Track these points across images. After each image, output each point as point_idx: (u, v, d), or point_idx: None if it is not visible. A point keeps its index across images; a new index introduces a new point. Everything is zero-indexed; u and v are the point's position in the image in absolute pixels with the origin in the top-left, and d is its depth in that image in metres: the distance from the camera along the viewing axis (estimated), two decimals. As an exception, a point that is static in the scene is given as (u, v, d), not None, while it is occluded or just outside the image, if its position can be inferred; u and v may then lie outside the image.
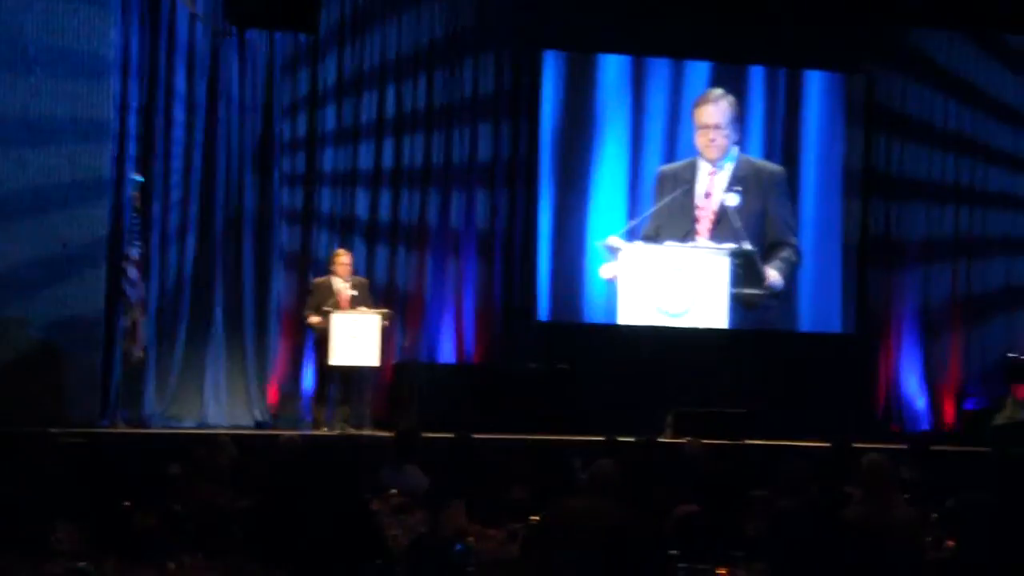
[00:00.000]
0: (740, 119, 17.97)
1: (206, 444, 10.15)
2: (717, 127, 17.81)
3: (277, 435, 11.99)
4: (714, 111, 17.88)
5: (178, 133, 16.02)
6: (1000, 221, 18.89)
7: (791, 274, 17.83)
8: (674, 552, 7.76)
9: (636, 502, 8.46)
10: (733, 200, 17.60)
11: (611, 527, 7.67)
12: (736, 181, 17.73)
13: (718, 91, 17.96)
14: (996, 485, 9.85)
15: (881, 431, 17.03)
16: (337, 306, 15.01)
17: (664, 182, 17.72)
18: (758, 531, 8.43)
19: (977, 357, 18.49)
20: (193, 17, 16.01)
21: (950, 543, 8.45)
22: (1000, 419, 17.04)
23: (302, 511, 7.69)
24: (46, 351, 14.37)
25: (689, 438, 12.04)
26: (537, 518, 8.35)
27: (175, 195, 15.94)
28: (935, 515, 9.19)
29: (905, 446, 12.99)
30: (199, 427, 15.35)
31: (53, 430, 11.92)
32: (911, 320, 18.37)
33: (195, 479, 9.21)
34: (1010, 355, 17.81)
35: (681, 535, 8.51)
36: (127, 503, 8.37)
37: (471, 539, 8.18)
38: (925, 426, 17.86)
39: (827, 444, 12.60)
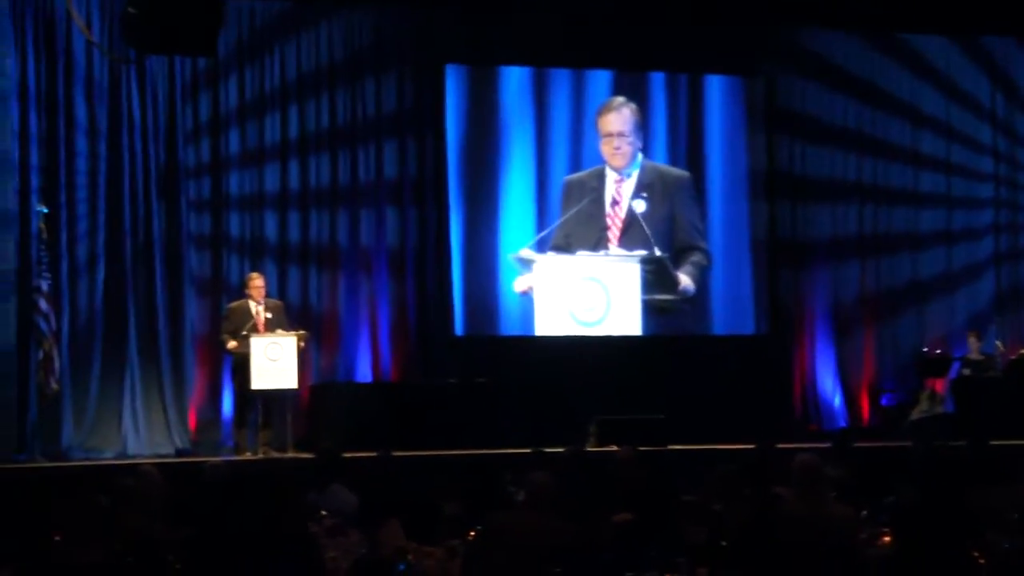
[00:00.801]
0: (643, 126, 18.04)
1: (131, 475, 10.01)
2: (621, 135, 17.85)
3: (202, 463, 11.85)
4: (617, 119, 17.92)
5: (81, 163, 15.93)
6: (903, 217, 19.12)
7: (702, 278, 17.90)
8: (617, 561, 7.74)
9: (572, 513, 8.44)
10: (641, 207, 17.65)
11: (553, 540, 7.65)
12: (642, 188, 17.78)
13: (620, 99, 18.00)
14: (925, 479, 9.96)
15: (799, 430, 17.16)
16: (254, 330, 14.90)
17: (571, 191, 17.73)
18: (698, 536, 8.44)
19: (889, 353, 18.70)
20: (90, 45, 15.84)
21: (885, 539, 8.49)
22: (916, 413, 17.24)
23: (242, 539, 7.60)
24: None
25: (621, 446, 12.03)
26: (474, 534, 8.32)
27: (82, 225, 15.85)
28: (864, 512, 9.22)
29: (828, 444, 13.07)
30: (119, 457, 15.19)
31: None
32: (823, 319, 18.53)
33: (125, 511, 9.05)
34: (923, 350, 18.01)
35: (619, 544, 8.49)
36: (58, 539, 8.21)
37: (410, 557, 8.12)
38: (842, 423, 17.97)
39: (750, 446, 12.64)
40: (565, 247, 17.49)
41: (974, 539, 7.93)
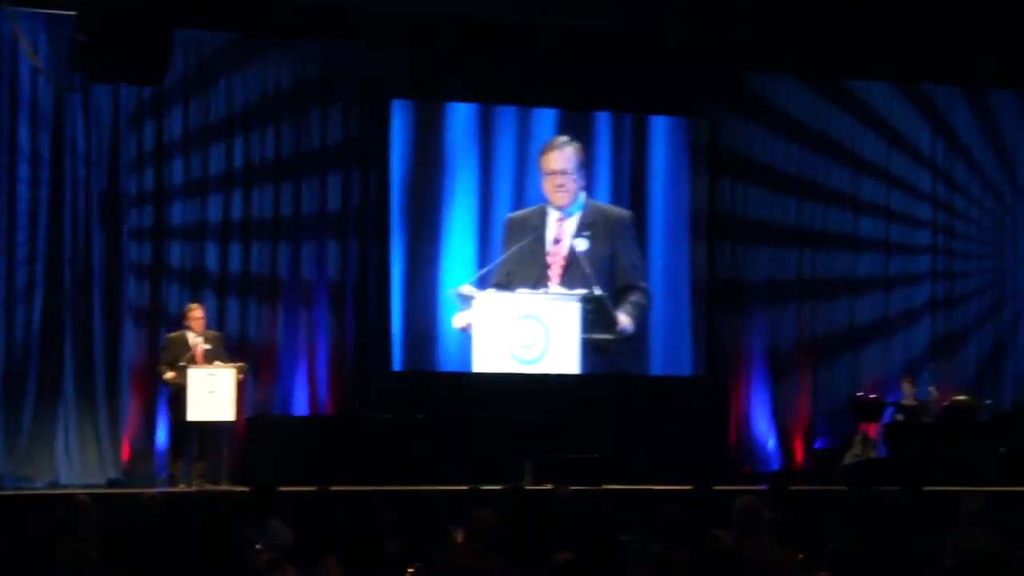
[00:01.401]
0: (587, 165, 18.07)
1: (65, 505, 9.96)
2: (564, 173, 17.89)
3: (137, 494, 11.79)
4: (560, 157, 17.96)
5: (23, 190, 15.87)
6: (842, 261, 19.21)
7: (641, 317, 17.91)
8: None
9: (513, 552, 8.44)
10: (582, 245, 17.67)
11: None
12: (584, 227, 17.80)
13: (563, 138, 18.05)
14: (862, 523, 10.01)
15: (734, 472, 17.22)
16: (192, 361, 14.84)
17: (513, 229, 17.76)
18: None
19: (824, 396, 18.74)
20: (35, 71, 15.78)
21: (822, 582, 8.53)
22: (850, 457, 17.33)
23: (180, 570, 7.56)
24: None
25: (558, 484, 12.05)
26: (413, 570, 8.30)
27: (21, 252, 15.80)
28: (801, 555, 9.27)
29: (762, 486, 13.11)
30: (51, 487, 15.09)
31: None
32: (759, 361, 18.58)
33: (61, 541, 8.99)
34: (857, 395, 18.11)
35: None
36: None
37: (349, 595, 8.11)
38: (775, 466, 18.06)
39: (685, 487, 12.67)
40: (506, 284, 17.49)
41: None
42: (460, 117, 17.92)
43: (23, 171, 15.85)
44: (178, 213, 16.71)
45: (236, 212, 16.93)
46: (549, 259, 17.70)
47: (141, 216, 16.55)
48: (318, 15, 16.88)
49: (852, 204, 19.29)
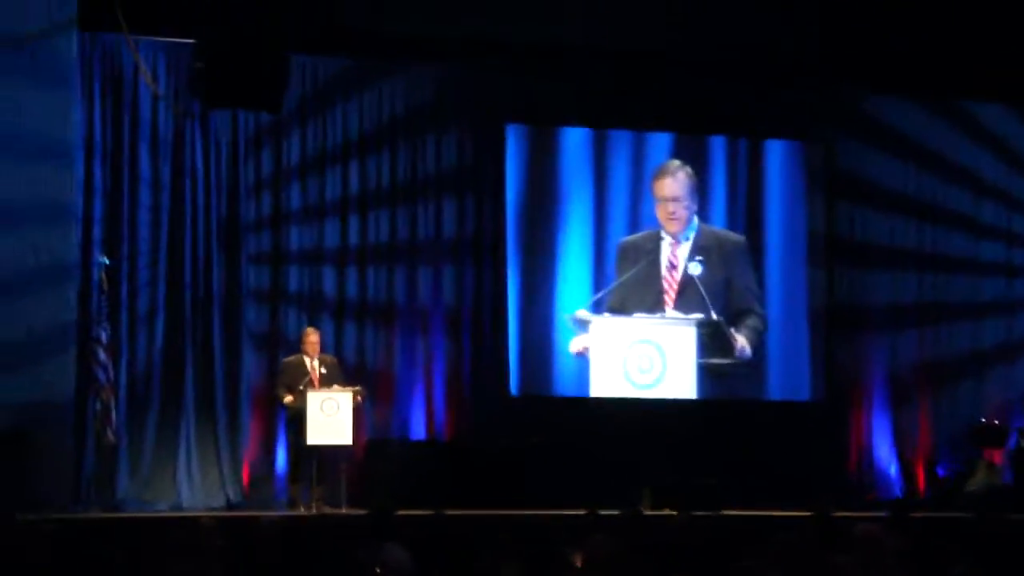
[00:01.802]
0: (700, 190, 17.98)
1: (188, 527, 10.03)
2: (676, 199, 17.81)
3: (257, 517, 11.87)
4: (672, 184, 17.89)
5: (144, 215, 16.05)
6: (963, 285, 18.97)
7: (758, 342, 17.81)
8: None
9: (632, 577, 8.39)
10: (696, 270, 17.59)
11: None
12: (698, 251, 17.73)
13: (675, 163, 17.97)
14: (986, 552, 9.84)
15: (855, 499, 16.98)
16: (310, 385, 14.94)
17: (626, 254, 17.70)
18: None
19: (946, 422, 18.45)
20: (156, 98, 16.01)
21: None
22: (973, 484, 17.05)
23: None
24: (16, 436, 14.16)
25: (675, 510, 11.98)
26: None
27: (142, 277, 15.97)
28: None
29: (884, 513, 12.95)
30: (173, 509, 15.25)
31: (25, 516, 11.74)
32: (880, 386, 18.36)
33: (184, 563, 9.05)
34: (980, 420, 17.84)
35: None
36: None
37: (468, 619, 8.10)
38: (898, 493, 17.84)
39: (805, 513, 12.53)
40: (621, 309, 17.45)
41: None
42: (574, 141, 17.91)
43: (144, 196, 16.04)
44: (295, 238, 16.81)
45: (353, 237, 17.02)
46: (664, 284, 17.64)
47: (259, 241, 16.67)
48: (431, 41, 16.95)
49: (972, 227, 19.05)
